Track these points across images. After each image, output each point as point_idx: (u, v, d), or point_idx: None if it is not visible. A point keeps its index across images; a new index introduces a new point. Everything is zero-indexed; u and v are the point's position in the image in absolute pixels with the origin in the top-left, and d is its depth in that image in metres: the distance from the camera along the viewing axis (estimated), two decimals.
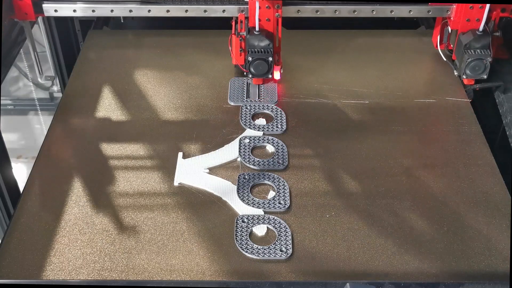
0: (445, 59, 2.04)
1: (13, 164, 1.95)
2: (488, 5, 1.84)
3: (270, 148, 1.73)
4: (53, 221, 1.50)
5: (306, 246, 1.44)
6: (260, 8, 1.83)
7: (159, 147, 1.75)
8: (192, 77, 2.03)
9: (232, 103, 1.91)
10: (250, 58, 1.86)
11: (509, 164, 1.73)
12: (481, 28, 1.87)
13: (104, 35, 2.30)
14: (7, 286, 1.37)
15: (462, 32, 1.91)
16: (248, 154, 1.70)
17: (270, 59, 1.86)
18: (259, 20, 1.85)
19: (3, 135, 1.87)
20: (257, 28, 1.87)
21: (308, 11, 1.92)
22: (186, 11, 1.92)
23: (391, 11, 1.95)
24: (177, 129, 1.81)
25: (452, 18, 1.93)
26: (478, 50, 1.86)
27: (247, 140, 1.74)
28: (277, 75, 1.96)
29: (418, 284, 1.36)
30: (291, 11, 1.92)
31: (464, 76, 1.91)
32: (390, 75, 2.05)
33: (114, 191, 1.60)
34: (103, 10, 1.89)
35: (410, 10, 1.95)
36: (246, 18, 1.89)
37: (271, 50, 1.87)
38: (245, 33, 1.86)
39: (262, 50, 1.86)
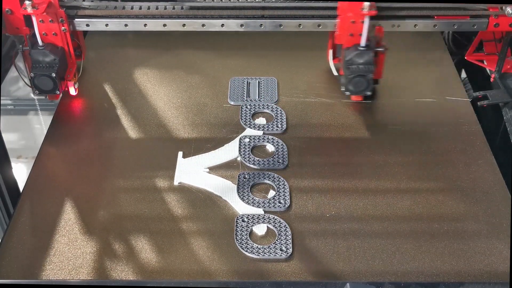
0: (335, 74, 1.96)
1: (13, 164, 1.95)
2: (367, 20, 1.75)
3: (270, 148, 1.73)
4: (53, 221, 1.50)
5: (306, 246, 1.44)
6: (43, 22, 1.77)
7: (159, 146, 1.74)
8: (192, 77, 2.03)
9: (232, 103, 1.91)
10: (32, 74, 1.78)
11: (509, 163, 1.73)
12: (362, 43, 1.79)
13: (104, 35, 2.30)
14: (7, 286, 1.37)
15: (346, 47, 1.83)
16: (248, 154, 1.69)
17: (53, 74, 1.77)
18: (45, 34, 1.79)
19: (3, 135, 1.88)
20: (40, 43, 1.80)
21: (309, 25, 1.86)
22: (184, 25, 1.87)
23: (398, 26, 1.86)
24: (177, 128, 1.81)
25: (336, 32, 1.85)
26: (361, 66, 1.79)
27: (247, 140, 1.74)
28: (72, 90, 1.90)
29: (418, 284, 1.36)
30: (292, 26, 1.87)
31: (348, 93, 1.83)
32: (390, 74, 2.04)
33: (114, 190, 1.60)
34: (98, 25, 1.87)
35: (415, 25, 1.86)
36: (33, 33, 1.80)
37: (56, 65, 1.79)
38: (28, 48, 1.78)
39: (47, 65, 1.78)
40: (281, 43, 2.20)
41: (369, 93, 1.82)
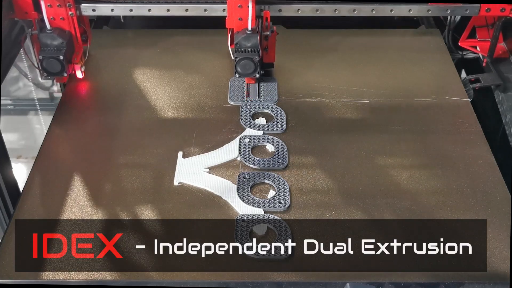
0: (233, 58, 1.95)
1: (13, 164, 1.95)
2: (250, 4, 1.80)
3: (270, 148, 1.73)
4: (53, 221, 1.50)
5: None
6: (51, 6, 1.83)
7: (159, 147, 1.74)
8: (192, 76, 2.03)
9: (232, 103, 1.91)
10: (40, 57, 1.84)
11: (509, 163, 1.73)
12: (249, 27, 1.85)
13: (104, 35, 2.30)
14: (7, 286, 1.37)
15: (237, 31, 1.88)
16: (248, 154, 1.69)
17: (61, 57, 1.83)
18: (53, 18, 1.85)
19: (3, 135, 1.87)
20: (48, 27, 1.85)
21: (308, 10, 1.92)
22: (187, 10, 1.92)
23: (391, 10, 1.94)
24: (177, 128, 1.81)
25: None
26: (249, 49, 1.85)
27: (247, 140, 1.74)
28: (78, 73, 1.96)
29: (418, 284, 1.36)
30: (292, 10, 1.91)
31: (237, 75, 1.89)
32: (390, 74, 2.05)
33: (114, 190, 1.60)
34: (104, 9, 1.91)
35: (410, 10, 1.94)
36: (41, 17, 1.85)
37: (64, 48, 1.84)
38: (36, 32, 1.84)
39: (55, 48, 1.84)
40: (281, 42, 2.20)
41: (257, 75, 1.88)
